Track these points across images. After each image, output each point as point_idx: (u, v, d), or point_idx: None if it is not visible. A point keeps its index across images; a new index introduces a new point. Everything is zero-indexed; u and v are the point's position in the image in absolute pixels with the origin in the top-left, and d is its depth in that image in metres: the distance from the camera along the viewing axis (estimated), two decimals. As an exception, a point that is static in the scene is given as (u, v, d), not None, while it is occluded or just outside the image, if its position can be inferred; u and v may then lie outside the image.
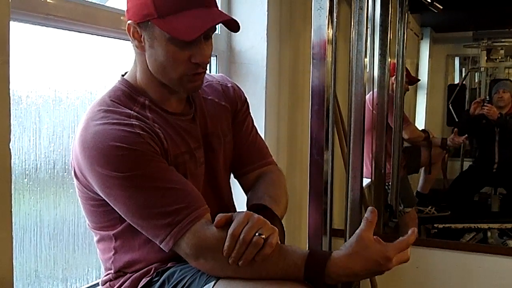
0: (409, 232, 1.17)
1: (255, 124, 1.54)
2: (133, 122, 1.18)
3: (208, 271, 1.16)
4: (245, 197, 1.43)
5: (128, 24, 1.22)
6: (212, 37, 1.25)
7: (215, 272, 1.15)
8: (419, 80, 3.93)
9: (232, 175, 1.50)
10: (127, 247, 1.28)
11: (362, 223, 1.16)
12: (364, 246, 1.12)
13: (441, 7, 3.70)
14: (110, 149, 1.14)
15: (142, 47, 1.23)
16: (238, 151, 1.45)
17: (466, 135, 4.17)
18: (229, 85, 1.47)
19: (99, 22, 1.52)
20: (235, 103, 1.45)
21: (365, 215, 1.17)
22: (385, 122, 3.14)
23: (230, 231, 1.09)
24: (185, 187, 1.19)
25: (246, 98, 1.50)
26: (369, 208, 1.19)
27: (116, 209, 1.19)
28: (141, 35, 1.21)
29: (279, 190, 1.41)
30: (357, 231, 1.15)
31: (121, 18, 1.53)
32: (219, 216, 1.14)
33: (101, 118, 1.18)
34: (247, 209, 1.29)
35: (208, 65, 2.19)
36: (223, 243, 1.10)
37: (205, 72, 1.26)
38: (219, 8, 1.25)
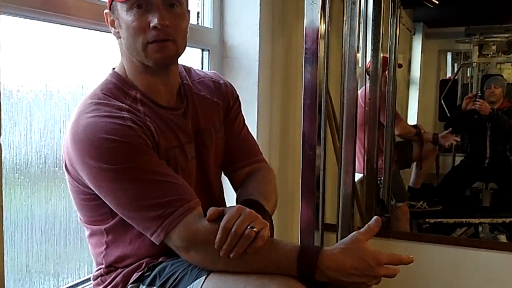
0: (406, 255, 1.17)
1: (247, 119, 1.54)
2: (125, 115, 1.18)
3: (199, 263, 1.16)
4: (235, 195, 1.43)
5: (105, 13, 1.28)
6: (187, 13, 1.27)
7: (206, 265, 1.15)
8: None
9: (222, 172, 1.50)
10: (119, 241, 1.28)
11: (363, 228, 1.17)
12: (357, 246, 1.13)
13: (437, 2, 3.70)
14: (101, 141, 1.13)
15: (118, 33, 1.26)
16: (228, 148, 1.45)
17: (458, 134, 4.19)
18: (221, 82, 1.47)
19: (90, 16, 1.51)
20: (227, 100, 1.45)
21: (369, 222, 1.19)
22: (377, 117, 3.15)
23: (222, 223, 1.10)
24: (176, 180, 1.19)
25: (238, 96, 1.50)
26: (375, 217, 1.20)
27: (106, 202, 1.18)
28: (114, 20, 1.25)
29: (269, 187, 1.41)
30: (354, 232, 1.17)
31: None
32: (211, 210, 1.14)
33: (92, 111, 1.18)
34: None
35: (201, 60, 2.20)
36: (215, 235, 1.10)
37: (172, 42, 1.22)
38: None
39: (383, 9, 3.04)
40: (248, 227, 1.08)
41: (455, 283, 2.42)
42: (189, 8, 1.30)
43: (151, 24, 1.18)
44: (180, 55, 1.28)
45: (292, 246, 1.14)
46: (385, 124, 3.40)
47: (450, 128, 4.12)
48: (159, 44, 1.20)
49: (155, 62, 1.23)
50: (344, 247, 1.13)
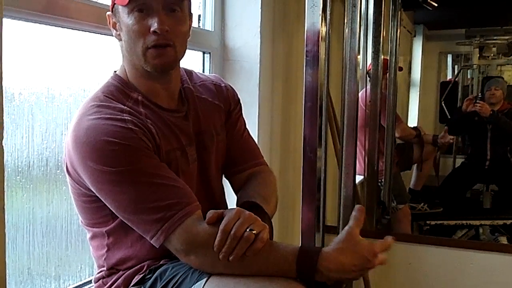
0: (385, 238, 1.19)
1: (248, 121, 1.55)
2: (126, 117, 1.19)
3: (198, 267, 1.17)
4: (235, 197, 1.43)
5: (107, 15, 1.29)
6: (188, 18, 1.28)
7: (206, 268, 1.16)
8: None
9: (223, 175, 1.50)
10: (120, 244, 1.28)
11: (350, 221, 1.18)
12: (353, 242, 1.14)
13: (436, 4, 3.71)
14: (102, 144, 1.14)
15: (119, 36, 1.26)
16: (230, 150, 1.46)
17: (454, 135, 4.21)
18: (222, 85, 1.47)
19: (92, 19, 1.51)
20: (229, 103, 1.46)
21: (353, 213, 1.20)
22: (378, 119, 3.15)
23: (221, 226, 1.10)
24: (176, 183, 1.19)
25: (239, 99, 1.51)
26: (356, 206, 1.22)
27: (107, 205, 1.19)
28: (115, 23, 1.26)
29: (269, 190, 1.42)
30: (346, 227, 1.17)
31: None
32: (210, 213, 1.15)
33: (94, 113, 1.18)
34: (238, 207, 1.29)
35: (202, 62, 2.21)
36: (214, 238, 1.10)
37: (172, 48, 1.22)
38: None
39: (384, 11, 3.04)
40: (247, 230, 1.09)
41: (455, 285, 2.42)
42: (191, 12, 1.30)
43: (151, 29, 1.19)
44: (179, 60, 1.29)
45: (292, 248, 1.14)
46: (385, 126, 3.40)
47: (446, 127, 4.13)
48: (158, 50, 1.21)
49: (154, 68, 1.23)
50: (342, 246, 1.14)
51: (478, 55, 5.22)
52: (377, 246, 1.15)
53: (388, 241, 1.18)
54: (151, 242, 1.17)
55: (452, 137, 4.14)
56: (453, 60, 5.93)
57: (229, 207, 1.42)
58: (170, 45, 1.22)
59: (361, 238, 1.15)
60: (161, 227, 1.14)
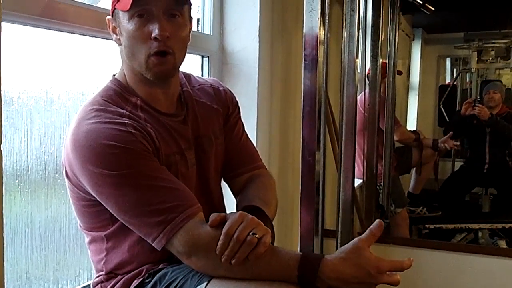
0: (406, 259, 1.15)
1: (246, 125, 1.55)
2: (125, 121, 1.19)
3: (200, 269, 1.16)
4: (235, 201, 1.43)
5: (107, 20, 1.29)
6: (189, 22, 1.28)
7: (208, 271, 1.15)
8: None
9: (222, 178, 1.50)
10: (119, 248, 1.28)
11: (365, 233, 1.16)
12: (358, 254, 1.12)
13: (433, 9, 3.72)
14: (102, 147, 1.14)
15: (119, 40, 1.26)
16: (228, 154, 1.46)
17: (458, 139, 4.20)
18: (221, 88, 1.47)
19: (91, 23, 1.51)
20: (227, 107, 1.46)
21: (371, 226, 1.17)
22: (377, 123, 3.15)
23: (224, 229, 1.10)
24: (177, 186, 1.20)
25: (237, 102, 1.51)
26: (377, 220, 1.18)
27: (108, 208, 1.19)
28: (116, 27, 1.26)
29: (269, 193, 1.41)
30: (355, 239, 1.15)
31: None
32: (213, 215, 1.15)
33: (93, 117, 1.18)
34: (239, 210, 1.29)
35: (200, 66, 2.21)
36: (217, 241, 1.10)
37: (171, 56, 1.22)
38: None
39: (382, 15, 3.04)
40: (250, 234, 1.09)
41: (454, 288, 2.42)
42: (191, 16, 1.30)
43: (152, 35, 1.19)
44: (179, 67, 1.29)
45: (294, 255, 1.14)
46: (384, 130, 3.40)
47: (451, 132, 4.13)
48: (159, 58, 1.21)
49: (154, 76, 1.24)
50: (344, 256, 1.12)
51: (476, 58, 5.22)
52: (385, 263, 1.12)
53: (403, 262, 1.14)
54: (153, 244, 1.17)
55: (457, 143, 4.13)
56: (451, 63, 5.93)
57: (227, 211, 1.42)
58: (169, 53, 1.22)
59: (368, 251, 1.12)
60: (163, 230, 1.14)
